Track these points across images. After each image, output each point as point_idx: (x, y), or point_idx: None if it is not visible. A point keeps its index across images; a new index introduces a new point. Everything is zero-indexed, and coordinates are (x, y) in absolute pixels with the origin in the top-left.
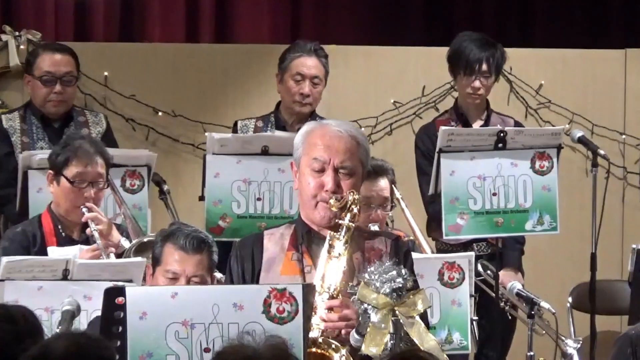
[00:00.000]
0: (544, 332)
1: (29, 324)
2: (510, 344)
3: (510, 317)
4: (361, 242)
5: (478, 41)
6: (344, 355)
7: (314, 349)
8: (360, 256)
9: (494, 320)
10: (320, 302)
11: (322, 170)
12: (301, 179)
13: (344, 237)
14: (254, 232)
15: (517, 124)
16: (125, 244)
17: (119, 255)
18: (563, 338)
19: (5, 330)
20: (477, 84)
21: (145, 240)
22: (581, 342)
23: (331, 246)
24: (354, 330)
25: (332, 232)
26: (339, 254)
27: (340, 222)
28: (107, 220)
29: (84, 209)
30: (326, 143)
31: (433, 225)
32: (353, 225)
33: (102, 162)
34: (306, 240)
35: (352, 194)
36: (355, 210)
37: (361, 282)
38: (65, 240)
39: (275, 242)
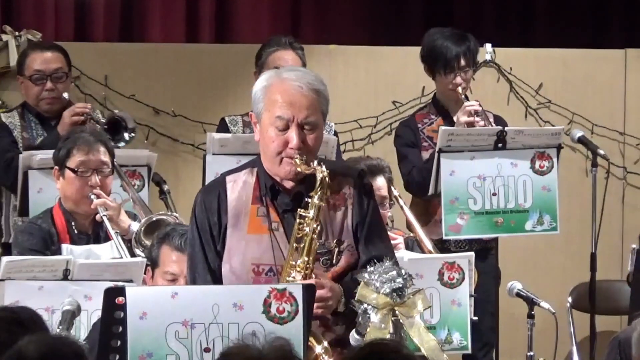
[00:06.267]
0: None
1: (37, 326)
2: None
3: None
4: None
5: (451, 37)
6: (325, 347)
7: None
8: (325, 204)
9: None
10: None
11: (285, 128)
12: (264, 134)
13: (313, 214)
14: (216, 180)
15: (497, 118)
16: (135, 227)
17: (130, 240)
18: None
19: (16, 332)
20: (458, 80)
21: (154, 218)
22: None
23: (300, 223)
24: (354, 330)
25: (301, 210)
26: (308, 232)
27: (309, 200)
28: (116, 205)
29: (92, 196)
30: (288, 100)
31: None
32: (323, 204)
33: (104, 150)
34: (270, 193)
35: (320, 171)
36: (326, 187)
37: (361, 282)
38: (78, 237)
39: (238, 192)
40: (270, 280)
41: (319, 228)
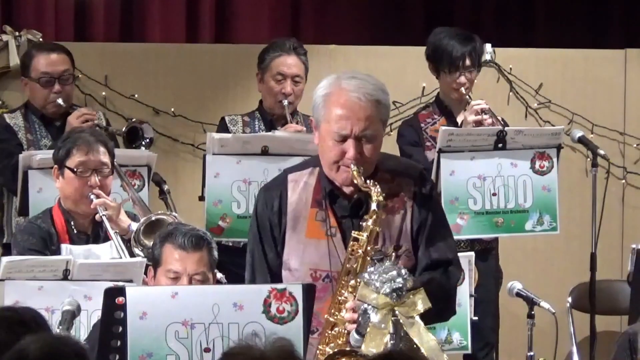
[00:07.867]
0: None
1: (39, 326)
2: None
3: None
4: (384, 190)
5: (457, 36)
6: None
7: None
8: (379, 229)
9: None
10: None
11: (343, 140)
12: (322, 142)
13: (366, 237)
14: (278, 178)
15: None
16: (135, 227)
17: (129, 240)
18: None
19: (18, 332)
20: (462, 79)
21: (153, 218)
22: None
23: (354, 245)
24: (353, 330)
25: (355, 232)
26: (361, 253)
27: (363, 223)
28: (115, 205)
29: (92, 196)
30: (346, 113)
31: None
32: (378, 229)
33: (104, 150)
34: (329, 198)
35: (377, 193)
36: (382, 211)
37: (361, 282)
38: (77, 237)
39: (298, 194)
40: (327, 288)
41: (372, 251)
